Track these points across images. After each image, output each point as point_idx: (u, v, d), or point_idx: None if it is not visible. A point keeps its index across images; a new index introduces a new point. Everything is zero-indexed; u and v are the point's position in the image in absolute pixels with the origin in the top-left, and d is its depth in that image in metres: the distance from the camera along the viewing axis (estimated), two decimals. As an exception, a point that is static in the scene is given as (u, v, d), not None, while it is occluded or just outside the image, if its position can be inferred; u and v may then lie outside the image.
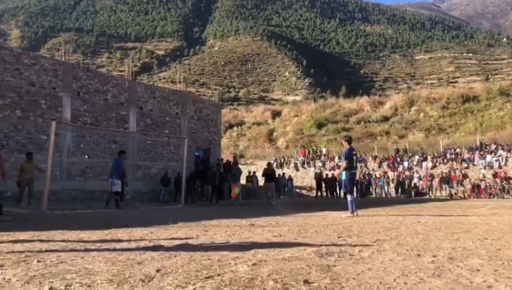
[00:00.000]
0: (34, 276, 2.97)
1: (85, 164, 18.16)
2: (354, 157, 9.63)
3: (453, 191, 25.55)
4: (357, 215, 9.22)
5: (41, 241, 4.95)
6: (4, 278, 2.89)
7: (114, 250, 4.26)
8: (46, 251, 4.19)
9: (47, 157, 11.41)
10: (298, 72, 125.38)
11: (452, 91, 53.91)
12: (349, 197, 9.50)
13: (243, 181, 22.59)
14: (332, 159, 35.16)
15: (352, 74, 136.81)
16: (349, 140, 9.89)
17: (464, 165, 28.44)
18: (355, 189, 10.03)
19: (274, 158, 37.83)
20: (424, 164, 30.25)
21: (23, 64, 16.48)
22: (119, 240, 5.07)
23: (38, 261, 3.56)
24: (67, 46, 24.08)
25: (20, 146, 15.83)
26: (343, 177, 9.66)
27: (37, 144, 16.25)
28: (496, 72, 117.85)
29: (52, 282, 2.78)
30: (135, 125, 20.41)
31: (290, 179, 28.25)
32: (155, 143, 21.35)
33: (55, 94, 17.38)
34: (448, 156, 30.54)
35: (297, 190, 30.21)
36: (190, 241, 4.94)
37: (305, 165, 35.74)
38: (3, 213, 7.74)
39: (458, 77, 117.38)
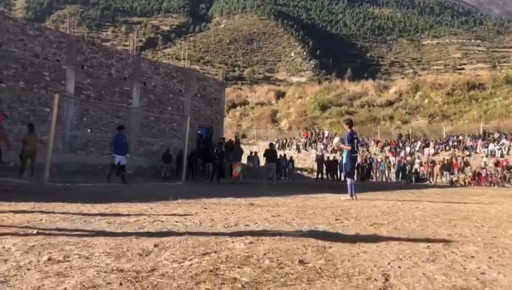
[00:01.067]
0: (33, 246, 3.01)
1: (88, 138, 18.21)
2: (355, 141, 9.58)
3: (453, 178, 25.59)
4: (356, 198, 9.26)
5: (42, 212, 5.00)
6: (3, 247, 2.94)
7: (114, 223, 4.31)
8: (46, 222, 4.24)
9: (50, 130, 11.44)
10: (304, 53, 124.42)
11: (458, 78, 53.46)
12: (349, 181, 9.51)
13: (244, 161, 22.63)
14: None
15: (358, 57, 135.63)
16: (350, 123, 9.84)
17: (466, 152, 28.41)
18: (355, 172, 10.05)
19: (276, 139, 37.84)
20: (426, 150, 30.23)
21: (28, 35, 16.38)
22: (119, 214, 5.12)
23: (38, 232, 3.61)
24: (72, 18, 23.87)
25: (23, 117, 15.85)
26: (344, 160, 9.69)
27: (40, 116, 16.27)
28: (504, 60, 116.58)
29: (51, 252, 2.82)
30: (138, 101, 20.38)
31: (292, 160, 28.31)
32: (158, 119, 21.35)
33: (59, 67, 17.32)
34: (450, 143, 30.48)
35: (298, 171, 30.30)
36: (189, 218, 4.98)
37: (307, 147, 35.76)
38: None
39: (465, 64, 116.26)
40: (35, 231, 3.64)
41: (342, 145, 9.86)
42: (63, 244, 3.14)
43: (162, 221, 4.63)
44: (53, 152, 10.55)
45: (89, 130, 18.20)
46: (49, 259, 2.63)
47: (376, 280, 2.44)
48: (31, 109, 16.22)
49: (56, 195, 7.62)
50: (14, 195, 7.20)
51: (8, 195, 6.96)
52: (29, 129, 13.66)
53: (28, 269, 2.40)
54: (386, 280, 2.45)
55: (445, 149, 29.95)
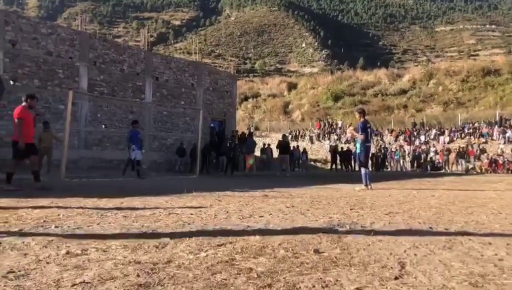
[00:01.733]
0: (52, 240, 3.06)
1: (102, 134, 18.38)
2: (369, 130, 9.49)
3: (469, 166, 25.29)
4: (371, 188, 9.19)
5: (59, 207, 5.08)
6: (23, 242, 2.99)
7: (130, 217, 4.36)
8: (64, 217, 4.30)
9: (65, 126, 11.57)
10: (315, 44, 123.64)
11: (473, 64, 52.74)
12: (363, 170, 9.43)
13: (257, 153, 22.65)
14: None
15: (370, 46, 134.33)
16: (363, 112, 9.71)
17: (482, 140, 28.04)
18: (369, 162, 9.92)
19: (289, 130, 37.80)
20: (441, 138, 29.93)
21: (41, 34, 16.53)
22: (135, 208, 5.17)
23: (56, 227, 3.67)
24: (84, 15, 24.02)
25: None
26: (358, 150, 9.62)
27: (55, 113, 16.46)
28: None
29: (69, 246, 2.86)
30: (151, 96, 20.49)
31: (305, 151, 28.24)
32: (171, 114, 21.45)
33: (72, 64, 17.47)
34: (466, 130, 30.12)
35: (312, 163, 30.24)
36: (203, 210, 5.01)
37: (320, 138, 35.64)
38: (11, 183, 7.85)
39: (479, 50, 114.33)
40: (53, 226, 3.69)
41: (355, 134, 9.77)
42: (81, 237, 3.19)
43: (177, 214, 4.66)
44: (68, 148, 10.68)
45: (103, 126, 18.37)
46: (68, 252, 2.68)
47: (392, 268, 2.44)
48: (46, 107, 16.40)
49: (72, 190, 7.73)
50: (32, 191, 7.32)
51: (26, 192, 7.07)
52: (44, 126, 13.83)
53: (48, 263, 2.44)
54: (402, 268, 2.44)
55: (460, 136, 29.61)
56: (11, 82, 15.34)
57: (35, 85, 16.16)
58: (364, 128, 9.32)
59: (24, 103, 7.82)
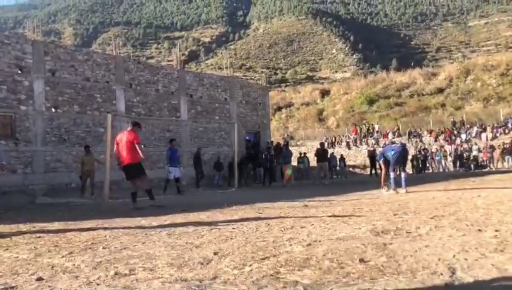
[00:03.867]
0: (100, 262, 3.15)
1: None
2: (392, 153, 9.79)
3: (517, 162, 24.28)
4: (406, 191, 9.20)
5: (105, 228, 5.22)
6: (74, 264, 3.09)
7: (173, 234, 4.43)
8: (110, 238, 4.42)
9: (106, 149, 11.92)
10: (346, 48, 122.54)
11: (512, 56, 50.79)
12: (392, 174, 9.61)
13: (294, 162, 22.55)
14: (385, 135, 34.32)
15: (402, 46, 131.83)
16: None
17: (528, 134, 26.92)
18: (395, 165, 9.86)
19: (324, 137, 37.44)
20: (483, 135, 28.91)
21: (77, 61, 17.16)
22: (178, 225, 5.25)
23: (103, 248, 3.77)
24: (117, 40, 24.82)
25: (80, 139, 16.59)
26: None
27: (95, 137, 16.98)
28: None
29: (117, 267, 2.93)
30: (186, 113, 20.83)
31: (342, 158, 27.89)
32: (207, 129, 21.72)
33: (109, 88, 18.02)
34: (509, 125, 28.99)
35: (350, 169, 29.81)
36: (245, 224, 5.03)
37: (357, 143, 35.15)
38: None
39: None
40: (100, 247, 3.80)
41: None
42: (128, 257, 3.26)
43: (219, 229, 4.70)
44: (110, 170, 10.97)
45: (142, 146, 18.75)
46: (116, 273, 2.74)
47: (442, 274, 2.37)
48: (87, 131, 16.95)
49: (117, 211, 7.92)
50: (78, 214, 7.55)
51: (72, 215, 7.31)
52: (86, 150, 14.33)
53: (98, 284, 2.51)
54: (453, 273, 2.37)
55: (504, 132, 28.53)
56: (53, 110, 15.98)
57: (75, 111, 16.75)
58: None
59: (130, 128, 8.83)
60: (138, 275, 2.68)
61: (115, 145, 8.80)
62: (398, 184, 9.49)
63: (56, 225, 5.78)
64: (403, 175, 9.43)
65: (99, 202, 10.57)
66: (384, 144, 10.10)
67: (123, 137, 8.54)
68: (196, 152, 17.93)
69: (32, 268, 3.02)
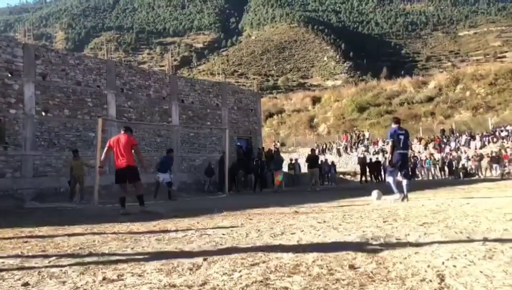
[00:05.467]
0: (88, 267, 3.11)
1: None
2: (396, 136, 8.83)
3: (504, 171, 24.52)
4: (407, 199, 8.67)
5: (94, 233, 5.17)
6: (61, 270, 3.05)
7: (163, 240, 4.40)
8: (99, 243, 4.38)
9: (96, 153, 11.84)
10: (337, 56, 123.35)
11: (500, 66, 51.54)
12: (390, 179, 8.98)
13: (285, 169, 22.59)
14: (376, 143, 34.51)
15: (393, 55, 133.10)
16: (395, 120, 9.25)
17: (516, 143, 27.21)
18: (394, 171, 9.03)
19: (315, 144, 37.58)
20: (472, 144, 29.19)
21: (69, 65, 17.07)
22: (167, 231, 5.22)
23: (92, 253, 3.73)
24: (109, 44, 24.77)
25: (70, 144, 16.46)
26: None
27: (86, 141, 16.86)
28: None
29: (105, 272, 2.90)
30: (177, 118, 20.79)
31: (333, 165, 27.99)
32: (198, 135, 21.68)
33: (100, 92, 17.93)
34: (498, 134, 29.30)
35: (341, 176, 29.91)
36: (235, 230, 5.01)
37: (348, 150, 35.29)
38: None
39: (506, 52, 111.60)
40: (88, 252, 3.76)
41: (386, 147, 9.42)
42: (116, 263, 3.23)
43: (209, 235, 4.68)
44: (100, 174, 10.92)
45: (133, 151, 18.65)
46: (104, 278, 2.71)
47: (431, 281, 2.37)
48: (77, 135, 16.83)
49: (106, 216, 7.86)
50: (67, 218, 7.48)
51: (61, 219, 7.23)
52: (74, 155, 14.25)
53: None
54: (442, 280, 2.38)
55: (492, 141, 28.82)
56: (43, 114, 15.85)
57: (66, 115, 16.63)
58: (391, 134, 8.91)
59: (122, 132, 8.88)
60: (127, 280, 2.66)
61: (106, 148, 8.70)
62: (400, 189, 8.78)
63: (44, 230, 5.71)
64: (405, 182, 8.78)
65: (88, 207, 10.48)
66: (394, 130, 9.39)
67: (120, 139, 8.45)
68: (221, 157, 18.03)
69: (18, 273, 2.98)
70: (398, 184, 8.86)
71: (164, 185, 13.96)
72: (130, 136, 8.69)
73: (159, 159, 14.58)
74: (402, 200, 8.58)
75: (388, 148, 8.91)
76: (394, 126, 9.05)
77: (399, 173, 9.03)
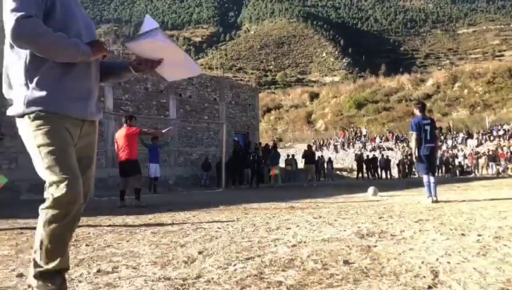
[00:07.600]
0: (83, 259, 3.11)
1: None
2: (423, 128, 7.56)
3: (500, 169, 24.62)
4: (436, 200, 7.33)
5: (89, 226, 5.17)
6: (56, 261, 3.04)
7: (158, 233, 4.40)
8: (94, 235, 4.38)
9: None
10: (336, 52, 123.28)
11: (498, 65, 51.62)
12: (425, 178, 7.58)
13: (282, 164, 22.62)
14: (373, 140, 34.56)
15: (391, 52, 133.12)
16: (420, 107, 7.97)
17: (513, 141, 27.31)
18: (426, 166, 7.60)
19: (313, 140, 37.61)
20: (469, 142, 29.28)
21: (66, 57, 16.97)
22: (163, 224, 5.22)
23: (87, 245, 3.73)
24: (107, 37, 24.61)
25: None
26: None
27: (82, 134, 16.81)
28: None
29: (100, 264, 2.90)
30: (175, 112, 20.75)
31: (330, 161, 28.03)
32: (195, 129, 21.66)
33: (97, 85, 17.85)
34: (495, 133, 29.40)
35: (338, 172, 29.96)
36: (230, 224, 5.02)
37: (345, 147, 35.34)
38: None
39: (504, 50, 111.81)
40: (84, 245, 3.76)
41: (411, 143, 8.06)
42: (111, 255, 3.23)
43: (205, 229, 4.68)
44: (97, 167, 10.89)
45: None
46: (99, 270, 2.71)
47: (424, 277, 2.38)
48: (73, 128, 16.78)
49: (102, 208, 7.86)
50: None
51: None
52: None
53: (80, 281, 2.48)
54: (435, 276, 2.39)
55: (489, 139, 28.93)
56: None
57: (63, 107, 16.54)
58: (415, 125, 7.63)
59: (126, 124, 8.67)
60: (121, 273, 2.66)
61: (115, 144, 8.78)
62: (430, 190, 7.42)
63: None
64: (432, 179, 7.41)
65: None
66: (418, 121, 7.81)
67: (121, 132, 8.48)
68: (234, 149, 18.20)
69: (12, 264, 2.98)
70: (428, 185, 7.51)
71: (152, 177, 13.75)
72: (130, 127, 8.52)
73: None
74: (432, 202, 7.25)
75: (412, 142, 7.70)
76: (418, 114, 7.85)
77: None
